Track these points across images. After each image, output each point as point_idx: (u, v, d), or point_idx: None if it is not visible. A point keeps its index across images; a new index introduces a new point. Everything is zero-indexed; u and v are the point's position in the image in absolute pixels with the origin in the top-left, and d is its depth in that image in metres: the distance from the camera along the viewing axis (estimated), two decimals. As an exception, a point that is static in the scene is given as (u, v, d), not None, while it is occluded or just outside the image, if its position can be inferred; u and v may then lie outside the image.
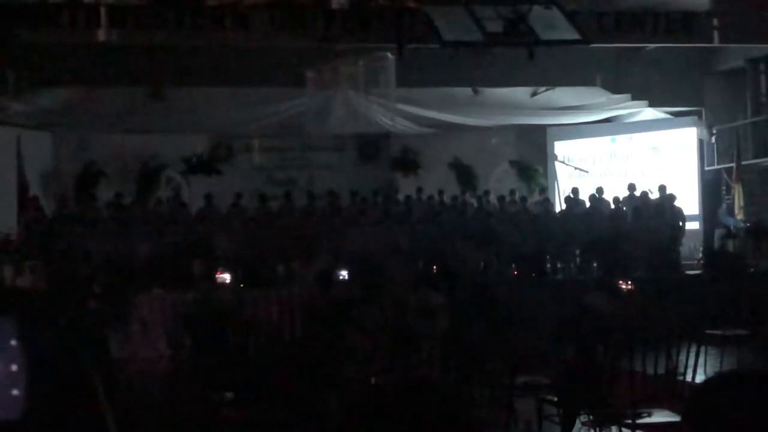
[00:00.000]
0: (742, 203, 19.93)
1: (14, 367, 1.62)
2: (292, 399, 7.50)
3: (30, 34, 16.02)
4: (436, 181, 21.44)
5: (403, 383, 1.98)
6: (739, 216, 19.90)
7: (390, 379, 8.28)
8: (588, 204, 19.67)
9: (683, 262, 18.48)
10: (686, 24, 17.56)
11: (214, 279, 15.86)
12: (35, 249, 16.24)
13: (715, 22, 17.62)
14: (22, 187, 19.11)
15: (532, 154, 23.27)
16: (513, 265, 18.03)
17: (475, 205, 20.24)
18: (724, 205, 20.80)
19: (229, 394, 8.29)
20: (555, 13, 15.41)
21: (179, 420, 8.49)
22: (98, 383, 1.71)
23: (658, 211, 18.85)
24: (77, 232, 17.40)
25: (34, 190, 19.66)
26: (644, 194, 19.55)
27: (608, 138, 22.88)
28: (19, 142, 19.22)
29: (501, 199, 20.25)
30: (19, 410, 1.61)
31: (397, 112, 20.58)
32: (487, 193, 20.82)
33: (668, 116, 22.12)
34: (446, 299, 10.13)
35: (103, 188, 20.76)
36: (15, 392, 1.62)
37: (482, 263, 18.04)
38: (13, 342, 1.64)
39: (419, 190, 20.68)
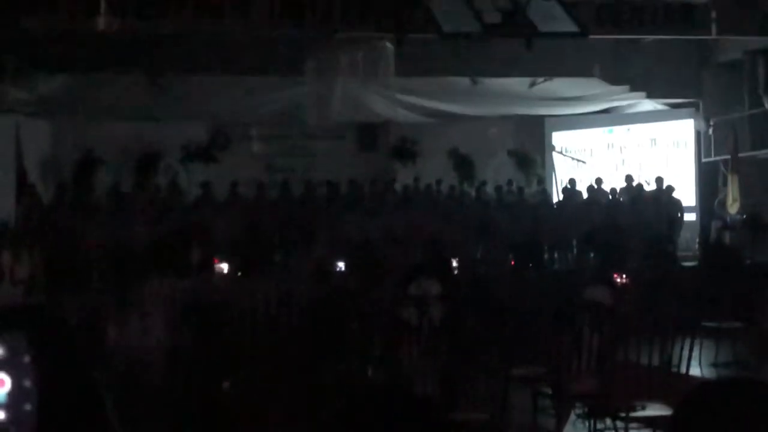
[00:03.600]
0: (736, 195, 19.97)
1: (27, 383, 1.66)
2: (290, 390, 7.55)
3: (29, 20, 16.00)
4: (434, 171, 21.47)
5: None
6: (732, 209, 19.93)
7: (385, 370, 8.32)
8: (585, 195, 19.71)
9: (680, 254, 18.53)
10: (684, 16, 17.56)
11: (212, 267, 15.90)
12: (33, 236, 16.24)
13: (714, 14, 17.62)
14: (21, 174, 19.12)
15: (530, 144, 23.30)
16: (510, 256, 18.06)
17: (473, 194, 20.28)
18: (721, 197, 20.84)
19: (226, 384, 8.34)
20: (553, 5, 15.44)
21: (177, 409, 8.53)
22: (106, 397, 1.75)
23: (655, 203, 18.91)
24: (75, 219, 17.40)
25: (33, 177, 19.66)
26: (641, 185, 19.59)
27: (606, 129, 22.93)
28: (18, 129, 19.22)
29: (498, 189, 20.28)
30: (32, 425, 1.65)
31: (396, 102, 20.60)
32: (484, 183, 20.85)
33: (666, 108, 22.16)
34: (442, 289, 10.16)
35: (102, 176, 20.76)
36: (28, 407, 1.66)
37: (479, 253, 18.08)
38: (26, 359, 1.68)
39: (417, 179, 20.71)
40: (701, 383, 1.97)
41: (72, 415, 1.71)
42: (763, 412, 1.85)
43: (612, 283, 11.09)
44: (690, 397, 1.89)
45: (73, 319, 7.98)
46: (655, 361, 7.78)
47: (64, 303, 10.08)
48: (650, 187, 19.51)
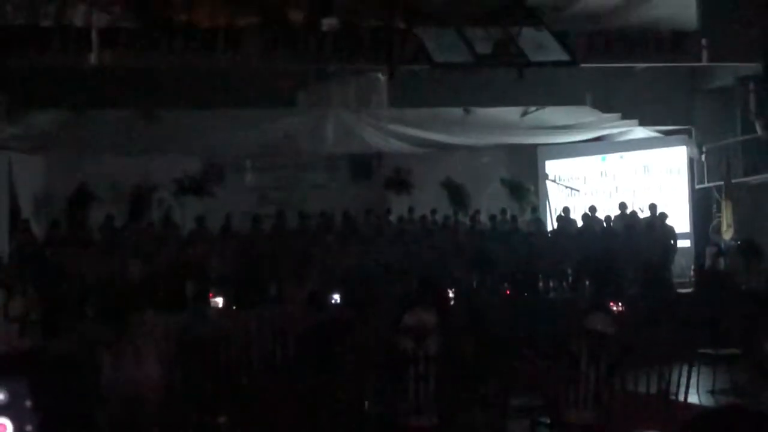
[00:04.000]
0: (730, 221, 19.99)
1: (29, 428, 1.65)
2: (286, 423, 7.50)
3: (21, 57, 16.03)
4: (428, 201, 21.47)
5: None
6: (726, 235, 19.95)
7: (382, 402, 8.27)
8: (580, 223, 19.71)
9: (675, 281, 18.52)
10: (675, 43, 17.65)
11: (206, 301, 15.84)
12: (27, 272, 16.18)
13: (704, 41, 17.71)
14: (14, 210, 19.09)
15: (523, 173, 23.34)
16: (505, 285, 18.04)
17: (468, 224, 20.28)
18: (714, 223, 20.85)
19: (222, 418, 8.29)
20: (544, 34, 15.52)
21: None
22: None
23: (649, 230, 18.92)
24: (69, 254, 17.35)
25: (26, 213, 19.64)
26: (634, 213, 19.61)
27: (599, 157, 22.97)
28: (11, 165, 19.21)
29: (492, 218, 20.28)
30: None
31: (389, 132, 20.63)
32: (478, 212, 20.86)
33: (658, 135, 22.20)
34: (438, 319, 10.13)
35: (95, 210, 20.72)
36: None
37: (474, 283, 18.05)
38: (27, 403, 1.67)
39: (411, 209, 20.71)
40: (698, 413, 1.96)
41: None
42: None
43: (608, 311, 11.05)
44: (689, 426, 1.88)
45: (68, 355, 7.94)
46: (653, 389, 7.75)
47: (58, 339, 10.03)
48: (644, 214, 19.51)
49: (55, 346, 8.02)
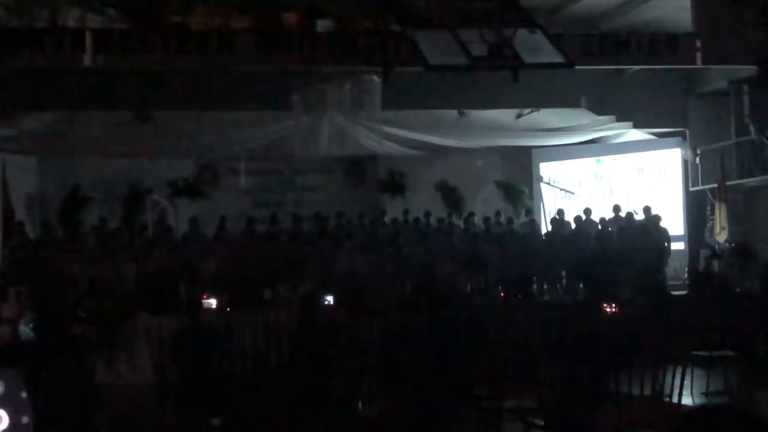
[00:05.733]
0: (724, 224, 20.01)
1: (25, 419, 1.64)
2: (279, 425, 7.48)
3: (15, 58, 16.00)
4: (422, 203, 21.48)
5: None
6: (720, 237, 19.96)
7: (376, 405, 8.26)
8: (574, 225, 19.72)
9: (669, 283, 18.53)
10: (669, 46, 17.65)
11: (200, 303, 15.82)
12: (20, 274, 16.16)
13: (698, 43, 17.72)
14: (8, 212, 19.06)
15: (518, 175, 23.35)
16: (499, 287, 18.04)
17: (462, 226, 20.29)
18: (709, 225, 20.87)
19: (215, 420, 8.27)
20: (539, 37, 15.48)
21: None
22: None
23: (643, 232, 18.92)
24: (62, 256, 17.32)
25: (20, 215, 19.60)
26: (629, 215, 19.62)
27: (593, 159, 22.98)
28: (4, 167, 19.18)
29: (487, 220, 20.27)
30: None
31: (383, 135, 20.61)
32: (472, 214, 20.87)
33: (653, 137, 22.22)
34: (432, 321, 10.11)
35: (89, 212, 20.70)
36: None
37: (469, 285, 18.04)
38: (23, 394, 1.65)
39: (406, 212, 20.71)
40: (688, 412, 1.94)
41: None
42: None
43: (602, 313, 11.06)
44: (678, 426, 1.86)
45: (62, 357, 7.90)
46: (647, 391, 7.74)
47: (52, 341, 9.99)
48: (639, 216, 19.52)
49: (48, 347, 7.99)
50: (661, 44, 17.62)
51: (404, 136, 20.87)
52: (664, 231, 19.16)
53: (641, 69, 19.28)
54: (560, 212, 20.40)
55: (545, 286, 18.75)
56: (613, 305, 14.31)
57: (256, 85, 18.54)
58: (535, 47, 15.50)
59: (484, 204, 22.41)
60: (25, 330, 12.08)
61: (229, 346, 11.00)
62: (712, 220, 20.68)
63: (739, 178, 20.56)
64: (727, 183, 20.28)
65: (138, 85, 18.05)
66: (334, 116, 19.72)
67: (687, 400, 9.51)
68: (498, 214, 20.81)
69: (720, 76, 20.45)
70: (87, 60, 16.10)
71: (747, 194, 21.18)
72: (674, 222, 20.76)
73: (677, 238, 20.47)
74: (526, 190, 23.10)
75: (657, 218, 19.19)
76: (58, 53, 15.93)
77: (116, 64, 16.46)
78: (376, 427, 7.28)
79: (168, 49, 16.18)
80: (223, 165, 22.91)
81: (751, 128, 20.05)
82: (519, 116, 21.31)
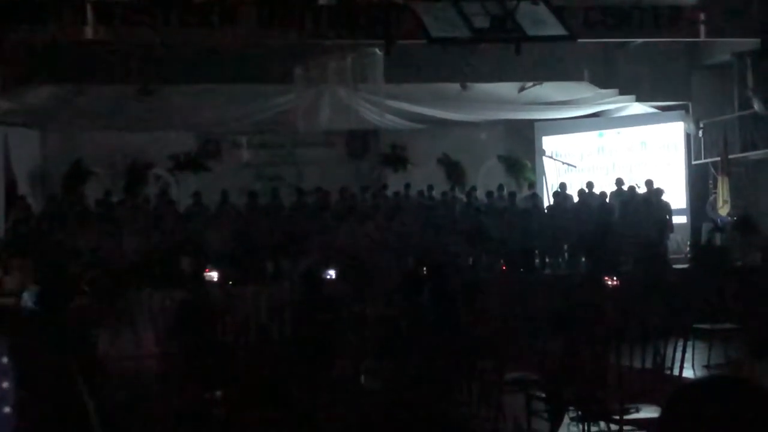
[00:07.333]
0: (726, 197, 19.98)
1: (5, 384, 1.63)
2: (282, 397, 7.51)
3: (16, 31, 15.97)
4: (424, 177, 21.45)
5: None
6: (722, 210, 19.94)
7: (379, 377, 8.30)
8: (576, 199, 19.72)
9: (671, 256, 18.54)
10: (673, 18, 17.59)
11: (202, 276, 15.87)
12: (23, 247, 16.19)
13: (702, 16, 17.65)
14: (10, 185, 19.07)
15: (520, 149, 23.31)
16: (501, 261, 18.07)
17: (464, 200, 20.29)
18: (711, 199, 20.85)
19: (218, 393, 8.31)
20: (542, 9, 15.45)
21: (169, 419, 8.49)
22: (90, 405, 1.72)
23: (645, 206, 18.91)
24: (65, 230, 17.35)
25: (22, 188, 19.62)
26: (632, 189, 19.60)
27: (596, 133, 22.93)
28: (7, 140, 19.17)
29: (489, 194, 20.27)
30: (10, 427, 1.62)
31: (385, 108, 20.56)
32: (475, 188, 20.87)
33: (656, 111, 22.14)
34: (434, 295, 10.14)
35: (91, 186, 20.70)
36: (6, 410, 1.63)
37: (471, 259, 18.07)
38: (4, 359, 1.65)
39: (408, 186, 20.69)
40: (686, 383, 1.95)
41: (55, 422, 1.68)
42: (747, 411, 1.83)
43: (604, 287, 11.08)
44: (675, 397, 1.86)
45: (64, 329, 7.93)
46: (648, 364, 7.77)
47: (55, 313, 10.03)
48: (641, 189, 19.51)
49: (51, 319, 8.02)
50: (664, 17, 17.56)
51: (406, 109, 20.82)
52: (666, 204, 19.16)
53: (644, 42, 19.20)
54: (563, 186, 20.39)
55: (547, 260, 18.78)
56: (615, 278, 14.34)
57: (258, 58, 18.48)
58: (538, 20, 15.47)
59: (487, 177, 22.38)
60: (29, 302, 12.12)
61: (231, 319, 11.03)
62: (715, 193, 20.66)
63: (742, 151, 20.52)
64: (730, 156, 20.23)
65: (140, 58, 18.00)
66: (336, 90, 19.65)
67: (688, 373, 9.54)
68: (500, 187, 20.80)
69: (723, 49, 20.36)
70: (89, 33, 16.07)
71: (750, 168, 21.14)
72: (677, 195, 20.74)
73: (679, 212, 20.45)
74: (529, 164, 23.07)
75: (659, 192, 19.18)
76: (60, 26, 15.91)
77: (118, 37, 16.42)
78: (379, 401, 7.31)
79: (169, 22, 16.15)
80: (225, 139, 22.87)
81: (755, 101, 19.98)
82: (522, 89, 21.23)
